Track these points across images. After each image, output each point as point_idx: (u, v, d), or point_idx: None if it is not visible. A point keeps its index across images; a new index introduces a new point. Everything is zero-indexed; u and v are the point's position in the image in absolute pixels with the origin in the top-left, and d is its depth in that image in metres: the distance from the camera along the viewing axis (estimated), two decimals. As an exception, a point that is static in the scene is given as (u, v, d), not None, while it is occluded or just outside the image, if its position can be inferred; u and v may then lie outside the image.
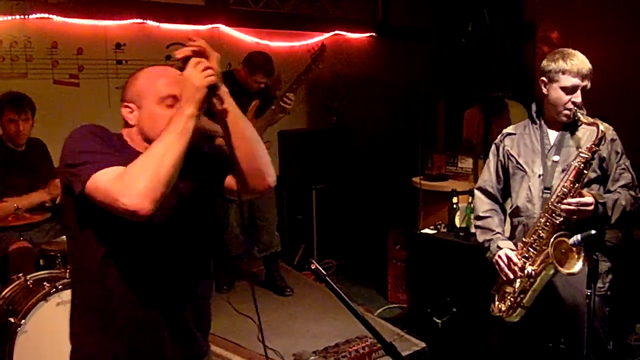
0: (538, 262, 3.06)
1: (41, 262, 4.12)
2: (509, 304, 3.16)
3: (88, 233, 2.04)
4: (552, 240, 2.98)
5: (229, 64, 6.27)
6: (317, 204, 6.47)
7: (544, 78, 3.18)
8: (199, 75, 1.96)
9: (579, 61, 3.09)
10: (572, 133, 3.19)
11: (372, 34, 7.52)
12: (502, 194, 3.42)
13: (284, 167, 6.73)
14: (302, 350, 4.23)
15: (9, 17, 5.00)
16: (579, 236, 2.87)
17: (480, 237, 3.39)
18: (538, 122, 3.26)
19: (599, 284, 3.16)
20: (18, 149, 4.49)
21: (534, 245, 3.09)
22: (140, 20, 5.71)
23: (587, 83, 3.10)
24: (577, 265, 2.94)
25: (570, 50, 3.15)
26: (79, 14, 5.34)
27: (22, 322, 3.55)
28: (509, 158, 3.32)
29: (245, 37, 6.48)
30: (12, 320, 3.56)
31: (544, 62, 3.20)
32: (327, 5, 7.17)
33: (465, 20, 5.13)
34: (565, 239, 2.94)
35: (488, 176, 3.42)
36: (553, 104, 3.15)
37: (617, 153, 3.18)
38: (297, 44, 6.86)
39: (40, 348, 3.57)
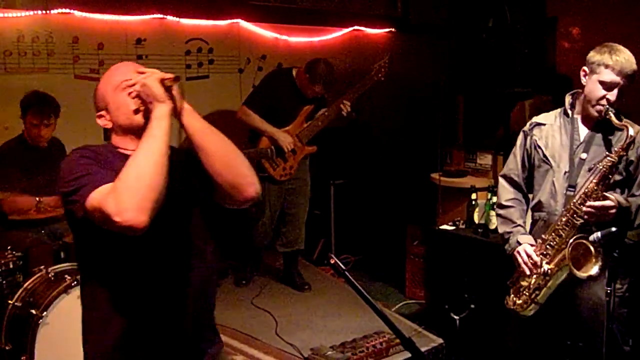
0: (555, 261, 3.05)
1: (62, 254, 4.16)
2: (524, 298, 3.16)
3: (93, 249, 2.08)
4: (570, 241, 2.97)
5: (247, 59, 6.31)
6: (335, 199, 6.47)
7: (585, 68, 3.11)
8: (150, 77, 2.01)
9: (625, 59, 3.00)
10: (604, 133, 3.12)
11: (391, 29, 7.50)
12: (526, 184, 3.37)
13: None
14: (319, 345, 4.24)
15: (31, 12, 5.05)
16: (599, 233, 2.86)
17: (501, 228, 3.37)
18: (571, 114, 3.20)
19: (617, 285, 3.14)
20: (40, 145, 4.54)
21: (552, 244, 3.08)
22: (161, 16, 5.73)
23: (627, 82, 3.01)
24: (594, 269, 2.93)
25: (620, 47, 3.06)
26: (100, 9, 5.38)
27: (43, 315, 3.59)
28: (535, 149, 3.26)
29: (264, 32, 6.50)
30: (34, 312, 3.60)
31: (591, 53, 3.11)
32: (346, 0, 7.15)
33: (485, 16, 5.11)
34: (584, 241, 2.92)
35: (514, 164, 3.37)
36: (588, 96, 3.09)
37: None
38: (316, 39, 6.86)
39: (62, 340, 3.59)
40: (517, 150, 3.37)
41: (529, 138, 3.32)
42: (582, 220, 2.99)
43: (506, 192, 3.39)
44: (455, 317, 4.40)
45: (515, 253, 3.20)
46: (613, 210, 2.96)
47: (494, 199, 4.51)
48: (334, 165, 6.61)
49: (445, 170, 5.62)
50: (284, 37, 6.62)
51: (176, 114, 2.03)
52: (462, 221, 4.80)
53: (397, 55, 7.47)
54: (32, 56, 5.14)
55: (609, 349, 3.04)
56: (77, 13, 5.24)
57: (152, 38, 5.73)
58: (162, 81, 2.00)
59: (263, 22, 6.46)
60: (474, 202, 4.68)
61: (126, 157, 2.00)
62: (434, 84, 6.43)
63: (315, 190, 6.16)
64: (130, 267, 2.06)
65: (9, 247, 3.97)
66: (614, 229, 2.75)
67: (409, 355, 2.15)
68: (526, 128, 3.36)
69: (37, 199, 4.23)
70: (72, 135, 4.79)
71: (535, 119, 3.36)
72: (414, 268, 5.68)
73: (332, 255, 2.15)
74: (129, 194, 1.82)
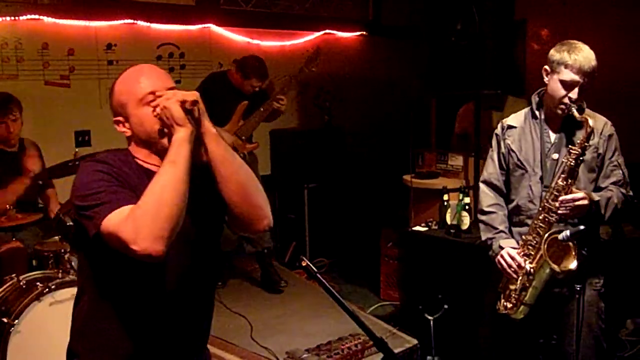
0: (537, 259, 3.06)
1: (34, 262, 4.12)
2: (513, 301, 3.15)
3: (100, 264, 2.05)
4: (545, 238, 2.99)
5: (219, 63, 6.30)
6: (309, 203, 6.48)
7: (547, 67, 3.12)
8: (170, 99, 1.96)
9: (583, 57, 3.01)
10: (572, 131, 3.15)
11: (362, 32, 7.54)
12: (505, 186, 3.35)
13: (276, 166, 6.76)
14: (295, 348, 4.24)
15: (0, 19, 5.00)
16: (568, 232, 2.89)
17: (484, 235, 3.34)
18: (539, 115, 3.23)
19: (595, 279, 3.19)
20: (10, 149, 4.49)
21: (532, 244, 3.09)
22: (131, 21, 5.71)
23: (587, 80, 3.03)
24: (574, 263, 2.95)
25: (579, 45, 3.06)
26: (70, 14, 5.34)
27: (15, 322, 3.54)
28: (510, 153, 3.27)
29: (236, 37, 6.50)
30: (5, 320, 3.56)
31: (552, 51, 3.12)
32: (318, 4, 7.18)
33: (455, 19, 5.15)
34: (557, 235, 2.96)
35: (493, 168, 3.35)
36: (551, 95, 3.11)
37: (613, 150, 3.15)
38: (288, 43, 6.88)
39: (34, 348, 3.56)
40: (494, 153, 3.36)
41: (502, 142, 3.31)
42: (556, 217, 3.01)
43: (487, 198, 3.36)
44: (430, 317, 4.42)
45: (499, 257, 3.18)
46: (585, 202, 2.99)
47: (466, 200, 4.56)
48: (307, 169, 6.62)
49: (418, 172, 5.66)
50: (256, 42, 6.63)
51: (198, 135, 1.98)
52: (434, 222, 4.82)
53: (368, 59, 7.54)
54: (1, 62, 5.09)
55: (587, 345, 3.10)
56: (47, 19, 5.21)
57: (122, 43, 5.70)
58: (182, 104, 1.95)
59: (234, 27, 6.47)
60: (446, 203, 4.71)
61: (144, 171, 2.00)
62: (406, 87, 6.49)
63: (289, 194, 6.18)
64: (136, 283, 2.03)
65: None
66: (582, 227, 2.79)
67: (383, 356, 2.16)
68: (499, 131, 3.35)
69: (8, 206, 4.18)
70: (43, 141, 4.75)
71: (505, 121, 3.35)
72: (388, 270, 5.70)
73: (304, 258, 2.14)
74: (147, 223, 1.79)
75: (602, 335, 3.26)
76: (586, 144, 2.99)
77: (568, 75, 3.02)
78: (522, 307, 3.13)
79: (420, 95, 5.92)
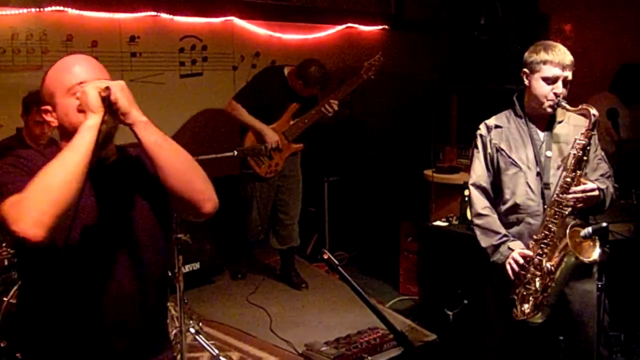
0: (555, 255, 3.02)
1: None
2: (533, 304, 3.07)
3: (25, 253, 2.03)
4: (567, 230, 2.96)
5: (241, 56, 6.32)
6: (329, 196, 6.49)
7: (525, 70, 3.16)
8: (90, 85, 1.92)
9: (561, 52, 3.08)
10: (558, 129, 3.19)
11: (384, 26, 7.52)
12: (495, 187, 3.30)
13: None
14: (314, 341, 4.26)
15: (25, 10, 5.04)
16: (590, 229, 2.87)
17: (485, 241, 3.24)
18: (523, 115, 3.23)
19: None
20: (38, 144, 4.53)
21: (546, 241, 3.04)
22: (154, 13, 5.74)
23: (568, 74, 3.08)
24: (595, 253, 2.91)
25: (551, 42, 3.16)
26: (94, 6, 5.38)
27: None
28: (498, 152, 3.23)
29: (258, 30, 6.51)
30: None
31: (526, 55, 3.18)
32: (340, -2, 7.18)
33: (478, 14, 5.13)
34: (578, 229, 2.93)
35: (481, 170, 3.29)
36: (535, 95, 3.13)
37: (596, 144, 3.17)
38: (309, 36, 6.88)
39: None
40: (480, 155, 3.31)
41: (489, 142, 3.27)
42: (569, 209, 3.00)
43: (480, 200, 3.29)
44: (449, 312, 4.43)
45: (510, 260, 3.10)
46: (596, 192, 3.02)
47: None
48: (328, 162, 6.63)
49: (438, 167, 5.64)
50: (278, 35, 6.63)
51: (124, 124, 1.94)
52: (455, 217, 4.82)
53: (390, 53, 7.51)
54: (26, 54, 5.13)
55: (599, 340, 3.07)
56: (71, 11, 5.24)
57: (145, 35, 5.74)
58: (100, 91, 1.89)
59: (257, 20, 6.48)
60: (466, 198, 4.69)
61: None
62: (427, 81, 6.46)
63: (310, 187, 6.19)
64: (64, 272, 1.98)
65: (3, 244, 3.96)
66: (604, 224, 2.77)
67: (403, 350, 2.17)
68: (483, 132, 3.31)
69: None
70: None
71: (488, 122, 3.33)
72: (407, 264, 5.70)
73: (326, 251, 2.16)
74: (30, 206, 1.73)
75: (610, 329, 3.26)
76: (592, 132, 3.01)
77: (550, 71, 3.07)
78: (543, 308, 3.06)
79: (442, 89, 5.89)
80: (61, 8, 5.18)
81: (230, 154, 4.03)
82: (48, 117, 2.06)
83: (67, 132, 1.99)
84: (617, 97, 5.07)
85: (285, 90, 5.38)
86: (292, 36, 6.75)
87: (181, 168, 1.99)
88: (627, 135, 4.84)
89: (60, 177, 1.78)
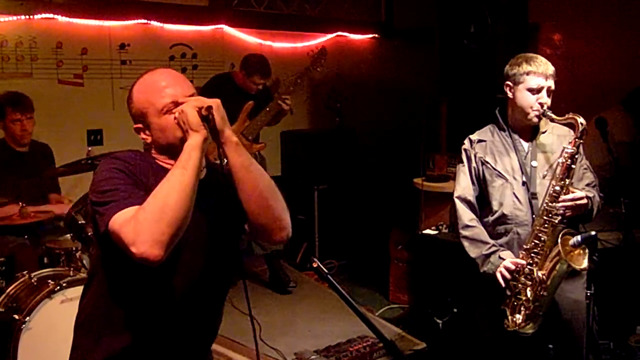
0: (546, 264, 3.02)
1: (45, 260, 4.14)
2: (524, 314, 3.06)
3: (111, 261, 2.05)
4: (559, 238, 2.97)
5: (232, 64, 6.32)
6: (319, 205, 6.49)
7: (508, 82, 3.18)
8: (188, 105, 1.96)
9: (543, 62, 3.12)
10: (541, 139, 3.21)
11: (375, 35, 7.55)
12: (481, 200, 3.31)
13: (286, 167, 6.77)
14: (303, 350, 4.24)
15: (15, 17, 5.04)
16: (579, 237, 2.89)
17: (474, 252, 3.22)
18: (506, 128, 3.25)
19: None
20: (21, 149, 4.52)
21: (536, 250, 3.05)
22: (145, 21, 5.74)
23: (551, 84, 3.11)
24: (585, 261, 2.95)
25: (531, 54, 3.20)
26: (84, 14, 5.38)
27: (26, 320, 3.56)
28: (483, 164, 3.25)
29: (248, 38, 6.52)
30: (16, 317, 3.57)
31: (507, 68, 3.21)
32: (330, 6, 7.19)
33: (468, 22, 5.15)
34: (569, 237, 2.94)
35: (466, 183, 3.31)
36: (520, 106, 3.15)
37: (581, 153, 3.18)
38: (300, 45, 6.89)
39: (45, 345, 3.59)
40: (465, 168, 3.33)
41: (473, 156, 3.30)
42: (559, 218, 3.01)
43: (466, 212, 3.29)
44: (439, 321, 4.43)
45: (502, 268, 3.08)
46: (585, 201, 3.04)
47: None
48: (318, 171, 6.63)
49: (428, 175, 5.65)
50: (268, 43, 6.64)
51: (218, 144, 1.99)
52: (445, 225, 4.82)
53: (380, 61, 7.54)
54: (16, 61, 5.12)
55: (589, 348, 3.08)
56: (61, 18, 5.24)
57: (136, 43, 5.74)
58: (199, 110, 1.94)
59: (247, 28, 6.49)
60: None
61: (163, 171, 1.97)
62: (417, 89, 6.48)
63: (299, 196, 6.19)
64: (144, 284, 2.02)
65: None
66: (593, 232, 2.79)
67: (392, 359, 2.17)
68: (467, 146, 3.34)
69: (21, 204, 4.20)
70: (55, 139, 4.79)
71: (472, 136, 3.35)
72: (397, 272, 5.70)
73: (316, 259, 2.15)
74: (148, 226, 1.79)
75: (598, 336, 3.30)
76: (580, 140, 3.04)
77: (534, 81, 3.10)
78: (535, 318, 3.05)
79: (432, 98, 5.90)
80: (51, 15, 5.18)
81: None
82: (142, 135, 2.10)
83: (164, 148, 2.07)
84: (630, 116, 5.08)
85: (237, 91, 5.41)
86: (282, 44, 6.76)
87: (264, 193, 2.04)
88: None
89: (174, 197, 1.83)
